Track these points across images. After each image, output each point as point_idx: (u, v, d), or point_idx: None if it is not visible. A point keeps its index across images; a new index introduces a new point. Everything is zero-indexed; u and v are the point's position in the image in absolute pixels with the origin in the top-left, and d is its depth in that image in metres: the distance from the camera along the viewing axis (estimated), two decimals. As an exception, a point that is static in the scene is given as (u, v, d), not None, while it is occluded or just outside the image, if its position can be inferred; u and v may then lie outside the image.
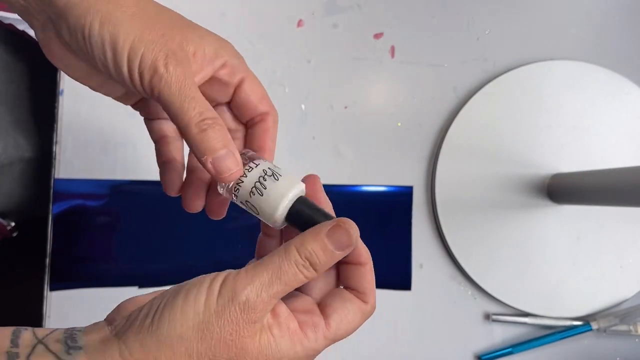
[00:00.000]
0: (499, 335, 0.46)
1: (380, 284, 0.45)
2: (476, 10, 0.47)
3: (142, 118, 0.47)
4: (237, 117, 0.30)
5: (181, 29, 0.26)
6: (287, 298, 0.23)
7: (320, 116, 0.46)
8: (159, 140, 0.31)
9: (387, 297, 0.45)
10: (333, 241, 0.22)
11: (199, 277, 0.23)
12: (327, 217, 0.24)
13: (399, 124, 0.47)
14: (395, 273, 0.46)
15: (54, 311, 0.45)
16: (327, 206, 0.26)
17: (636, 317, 0.44)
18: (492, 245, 0.45)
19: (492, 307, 0.46)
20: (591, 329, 0.44)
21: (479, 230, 0.45)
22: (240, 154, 0.26)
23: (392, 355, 0.45)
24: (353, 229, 0.23)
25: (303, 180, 0.26)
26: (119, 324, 0.22)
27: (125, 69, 0.24)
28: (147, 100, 0.30)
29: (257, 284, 0.21)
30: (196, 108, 0.24)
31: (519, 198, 0.45)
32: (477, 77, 0.47)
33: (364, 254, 0.24)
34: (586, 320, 0.45)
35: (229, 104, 0.30)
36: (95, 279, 0.45)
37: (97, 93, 0.47)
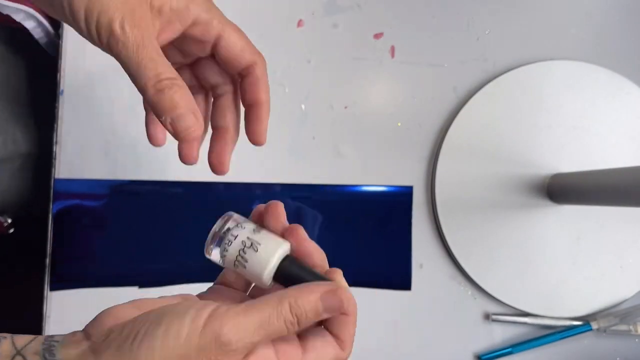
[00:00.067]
0: (498, 335, 0.46)
1: (380, 284, 0.46)
2: (476, 10, 0.47)
3: (142, 118, 0.47)
4: (225, 70, 0.29)
5: None
6: None
7: (320, 116, 0.46)
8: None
9: (387, 297, 0.45)
10: (326, 305, 0.23)
11: (184, 303, 0.23)
12: (315, 275, 0.25)
13: (399, 124, 0.47)
14: (395, 273, 0.46)
15: (54, 311, 0.45)
16: (316, 254, 0.26)
17: (636, 317, 0.44)
18: (492, 245, 0.45)
19: (492, 307, 0.46)
20: (591, 329, 0.44)
21: (479, 230, 0.45)
22: (223, 219, 0.26)
23: (392, 355, 0.45)
24: (346, 297, 0.23)
25: (286, 233, 0.26)
26: (98, 340, 0.22)
27: (84, 29, 0.24)
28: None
29: (242, 330, 0.21)
30: (153, 70, 0.24)
31: (519, 198, 0.45)
32: (477, 77, 0.47)
33: (351, 306, 0.24)
34: (586, 320, 0.45)
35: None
36: (95, 279, 0.45)
37: (97, 93, 0.47)
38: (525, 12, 0.48)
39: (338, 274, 0.26)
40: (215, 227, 0.26)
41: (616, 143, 0.46)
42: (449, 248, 0.45)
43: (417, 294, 0.46)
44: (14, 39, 0.51)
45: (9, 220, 0.54)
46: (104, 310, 0.23)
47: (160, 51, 0.25)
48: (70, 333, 0.23)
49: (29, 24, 0.47)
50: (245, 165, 0.46)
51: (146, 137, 0.46)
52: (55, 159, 0.46)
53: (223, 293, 0.28)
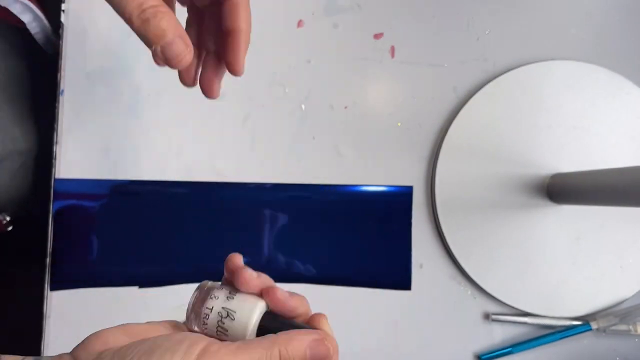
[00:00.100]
0: (498, 335, 0.46)
1: (380, 284, 0.46)
2: (476, 10, 0.47)
3: (143, 118, 0.47)
4: None
5: None
6: None
7: (320, 116, 0.47)
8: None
9: (387, 297, 0.46)
10: (314, 353, 0.24)
11: (176, 337, 0.23)
12: (297, 325, 0.25)
13: (399, 124, 0.47)
14: (395, 273, 0.46)
15: (54, 311, 0.45)
16: (296, 307, 0.26)
17: (636, 317, 0.44)
18: (492, 245, 0.45)
19: (492, 307, 0.46)
20: (591, 329, 0.44)
21: (478, 230, 0.45)
22: (195, 294, 0.26)
23: (391, 355, 0.45)
24: (333, 345, 0.24)
25: (263, 294, 0.26)
26: None
27: None
28: None
29: None
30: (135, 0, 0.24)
31: (519, 198, 0.45)
32: (477, 77, 0.47)
33: (336, 353, 0.25)
34: (586, 320, 0.45)
35: None
36: (95, 278, 0.45)
37: (98, 93, 0.47)
38: (525, 12, 0.48)
39: (323, 321, 0.26)
40: (190, 303, 0.27)
41: (616, 143, 0.46)
42: (449, 248, 0.45)
43: (417, 294, 0.46)
44: (15, 36, 0.51)
45: (8, 218, 0.54)
46: (93, 333, 0.24)
47: None
48: (58, 355, 0.23)
49: (26, 17, 0.47)
50: (245, 165, 0.46)
51: (146, 137, 0.46)
52: (55, 158, 0.46)
53: None
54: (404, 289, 0.46)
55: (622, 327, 0.44)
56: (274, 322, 0.25)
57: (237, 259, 0.28)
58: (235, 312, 0.25)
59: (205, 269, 0.45)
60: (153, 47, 0.25)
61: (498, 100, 0.46)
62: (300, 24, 0.47)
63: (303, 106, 0.47)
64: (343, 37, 0.47)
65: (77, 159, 0.46)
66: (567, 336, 0.45)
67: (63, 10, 0.47)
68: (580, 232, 0.45)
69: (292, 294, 0.27)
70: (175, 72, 0.46)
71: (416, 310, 0.46)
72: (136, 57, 0.47)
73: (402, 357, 0.45)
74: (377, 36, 0.47)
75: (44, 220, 0.45)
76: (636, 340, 0.46)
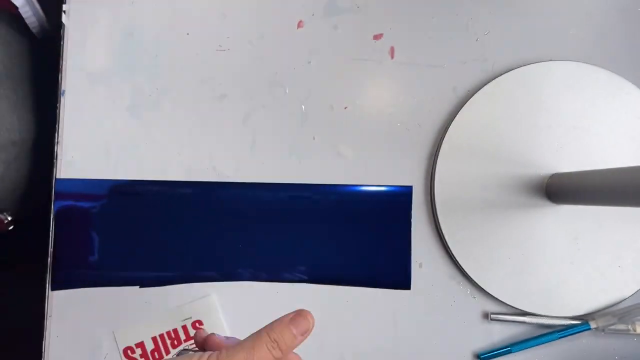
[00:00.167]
0: (497, 334, 0.46)
1: (379, 284, 0.46)
2: (476, 10, 0.47)
3: (143, 118, 0.47)
4: None
5: None
6: None
7: (320, 116, 0.47)
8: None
9: (386, 297, 0.46)
10: (295, 325, 0.27)
11: (184, 357, 0.27)
12: None
13: (399, 124, 0.47)
14: (394, 272, 0.46)
15: (56, 311, 0.45)
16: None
17: (634, 317, 0.44)
18: (491, 245, 0.45)
19: (491, 307, 0.46)
20: (590, 328, 0.44)
21: (478, 230, 0.45)
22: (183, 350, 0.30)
23: (391, 355, 0.46)
24: (310, 316, 0.28)
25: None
26: None
27: None
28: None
29: (236, 358, 0.25)
30: None
31: (518, 198, 0.45)
32: (476, 77, 0.47)
33: (304, 318, 0.28)
34: (585, 320, 0.45)
35: None
36: (97, 278, 0.45)
37: (99, 94, 0.47)
38: (525, 13, 0.48)
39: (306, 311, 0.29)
40: None
41: (615, 143, 0.46)
42: (449, 248, 0.45)
43: (417, 294, 0.46)
44: (9, 23, 0.51)
45: (9, 218, 0.54)
46: None
47: None
48: None
49: (18, 1, 0.47)
50: (246, 165, 0.46)
51: (147, 137, 0.46)
52: (56, 158, 0.46)
53: None
54: (404, 288, 0.46)
55: (621, 326, 0.45)
56: None
57: (199, 334, 0.33)
58: None
59: (206, 268, 0.46)
60: None
61: (498, 101, 0.46)
62: (300, 24, 0.47)
63: (303, 106, 0.47)
64: (343, 38, 0.47)
65: (78, 159, 0.46)
66: (566, 335, 0.45)
67: (64, 11, 0.47)
68: (579, 232, 0.45)
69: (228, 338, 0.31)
70: (175, 72, 0.47)
71: (415, 310, 0.46)
72: (137, 57, 0.47)
73: (402, 356, 0.46)
74: (377, 37, 0.47)
75: (45, 220, 0.45)
76: (635, 339, 0.46)
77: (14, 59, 0.51)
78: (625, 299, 0.45)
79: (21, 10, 0.48)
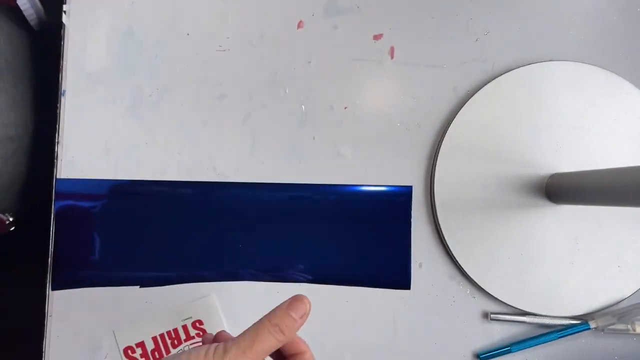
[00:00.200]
0: (497, 334, 0.46)
1: (379, 283, 0.46)
2: (476, 10, 0.48)
3: (144, 118, 0.47)
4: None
5: None
6: None
7: (320, 117, 0.47)
8: None
9: (386, 297, 0.46)
10: (294, 310, 0.29)
11: (196, 347, 0.28)
12: None
13: (399, 124, 0.47)
14: (394, 272, 0.46)
15: (56, 310, 0.45)
16: None
17: (634, 316, 0.45)
18: (491, 245, 0.45)
19: (491, 306, 0.46)
20: (589, 328, 0.45)
21: (478, 229, 0.45)
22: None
23: (391, 354, 0.46)
24: (307, 300, 0.30)
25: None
26: None
27: None
28: None
29: (242, 345, 0.27)
30: None
31: (518, 198, 0.45)
32: (476, 78, 0.47)
33: (303, 343, 0.31)
34: (584, 319, 0.45)
35: None
36: (97, 278, 0.45)
37: (99, 94, 0.47)
38: (525, 13, 0.48)
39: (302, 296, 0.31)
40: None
41: (615, 143, 0.46)
42: (448, 247, 0.45)
43: (416, 293, 0.46)
44: (16, 16, 0.51)
45: (11, 219, 0.54)
46: None
47: None
48: None
49: (25, 5, 0.47)
50: (246, 165, 0.46)
51: (147, 137, 0.46)
52: (56, 159, 0.46)
53: None
54: (404, 288, 0.46)
55: (621, 326, 0.45)
56: None
57: (208, 337, 0.35)
58: None
59: (206, 268, 0.46)
60: None
61: (497, 101, 0.46)
62: (300, 24, 0.47)
63: (303, 106, 0.47)
64: (343, 38, 0.47)
65: (78, 159, 0.46)
66: (565, 335, 0.45)
67: (64, 11, 0.47)
68: (578, 232, 0.45)
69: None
70: (175, 72, 0.47)
71: (415, 310, 0.46)
72: (137, 57, 0.47)
73: (402, 356, 0.46)
74: (377, 37, 0.47)
75: (45, 220, 0.45)
76: (634, 339, 0.46)
77: (15, 52, 0.51)
78: (624, 299, 0.45)
79: (19, 2, 0.47)
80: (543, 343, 0.45)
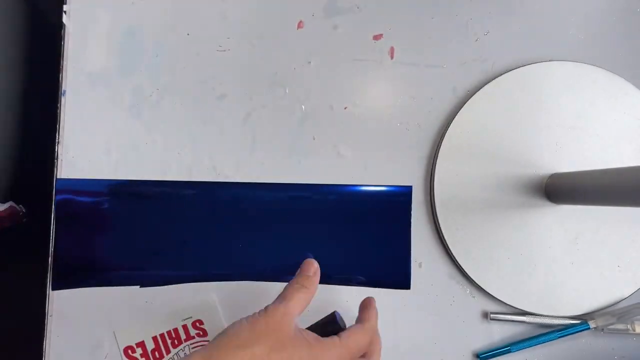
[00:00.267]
0: (497, 333, 0.46)
1: (379, 283, 0.46)
2: (475, 11, 0.48)
3: (144, 118, 0.47)
4: None
5: None
6: None
7: (320, 117, 0.47)
8: None
9: (386, 296, 0.46)
10: (305, 269, 0.37)
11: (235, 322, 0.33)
12: None
13: (399, 124, 0.47)
14: (394, 272, 0.46)
15: (56, 310, 0.45)
16: None
17: (634, 316, 0.45)
18: (490, 245, 0.45)
19: (491, 306, 0.46)
20: (589, 328, 0.45)
21: (477, 229, 0.45)
22: None
23: (391, 354, 0.46)
24: (313, 260, 0.38)
25: None
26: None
27: None
28: None
29: (277, 301, 0.34)
30: None
31: (518, 198, 0.45)
32: (476, 78, 0.47)
33: (372, 300, 0.40)
34: (584, 319, 0.45)
35: None
36: (97, 278, 0.45)
37: (100, 94, 0.47)
38: (524, 13, 0.48)
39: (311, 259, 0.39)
40: None
41: (615, 143, 0.46)
42: (448, 247, 0.45)
43: (416, 293, 0.46)
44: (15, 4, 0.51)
45: (24, 210, 0.54)
46: None
47: None
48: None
49: None
50: (246, 165, 0.46)
51: (147, 137, 0.46)
52: (57, 158, 0.46)
53: None
54: (404, 288, 0.46)
55: (620, 326, 0.45)
56: None
57: None
58: None
59: (206, 268, 0.46)
60: None
61: (497, 101, 0.46)
62: (300, 25, 0.47)
63: (303, 106, 0.47)
64: (343, 38, 0.47)
65: (78, 159, 0.46)
66: (565, 335, 0.45)
67: (65, 11, 0.47)
68: (578, 232, 0.45)
69: None
70: (175, 72, 0.47)
71: (415, 309, 0.46)
72: (137, 57, 0.47)
73: (401, 355, 0.46)
74: (377, 37, 0.47)
75: (46, 219, 0.45)
76: (634, 339, 0.46)
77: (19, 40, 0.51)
78: (624, 299, 0.46)
79: None
80: (543, 343, 0.45)
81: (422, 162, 0.47)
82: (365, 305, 0.39)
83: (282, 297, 0.34)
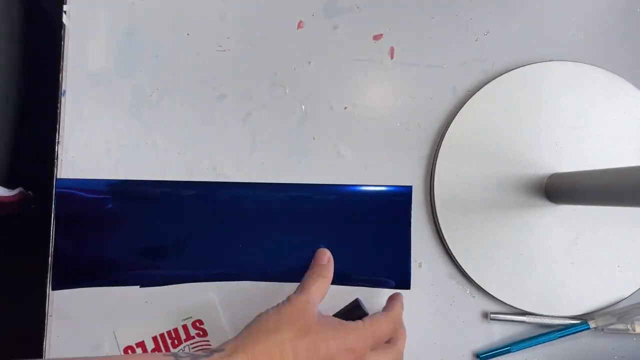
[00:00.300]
0: (497, 333, 0.46)
1: (379, 283, 0.46)
2: (475, 11, 0.48)
3: (144, 118, 0.47)
4: None
5: None
6: None
7: (320, 117, 0.47)
8: None
9: (386, 296, 0.46)
10: (321, 260, 0.39)
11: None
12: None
13: (399, 124, 0.47)
14: (394, 272, 0.46)
15: (56, 310, 0.45)
16: None
17: (634, 316, 0.45)
18: (490, 245, 0.45)
19: (491, 306, 0.46)
20: (589, 328, 0.45)
21: (477, 229, 0.45)
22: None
23: (391, 354, 0.46)
24: (324, 249, 0.40)
25: None
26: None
27: None
28: None
29: (298, 291, 0.37)
30: None
31: (518, 198, 0.45)
32: (476, 78, 0.47)
33: (399, 295, 0.42)
34: (584, 319, 0.45)
35: None
36: (97, 278, 0.45)
37: (100, 94, 0.47)
38: (525, 13, 0.48)
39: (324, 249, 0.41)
40: None
41: (615, 143, 0.46)
42: (448, 247, 0.45)
43: (416, 293, 0.46)
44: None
45: (32, 196, 0.53)
46: None
47: None
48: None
49: None
50: (246, 165, 0.46)
51: (147, 137, 0.46)
52: (57, 158, 0.46)
53: None
54: (404, 288, 0.46)
55: (620, 326, 0.45)
56: None
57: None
58: None
59: (206, 268, 0.46)
60: None
61: (497, 101, 0.46)
62: (300, 25, 0.47)
63: (303, 106, 0.47)
64: (343, 38, 0.47)
65: (78, 158, 0.46)
66: (565, 335, 0.45)
67: (65, 11, 0.47)
68: (578, 232, 0.45)
69: None
70: (175, 72, 0.47)
71: (415, 309, 0.46)
72: (137, 57, 0.47)
73: (402, 355, 0.46)
74: (377, 37, 0.47)
75: (46, 219, 0.45)
76: (634, 339, 0.46)
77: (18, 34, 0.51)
78: (624, 299, 0.46)
79: None
80: (543, 343, 0.45)
81: (422, 162, 0.47)
82: (392, 298, 0.42)
83: (302, 287, 0.36)
